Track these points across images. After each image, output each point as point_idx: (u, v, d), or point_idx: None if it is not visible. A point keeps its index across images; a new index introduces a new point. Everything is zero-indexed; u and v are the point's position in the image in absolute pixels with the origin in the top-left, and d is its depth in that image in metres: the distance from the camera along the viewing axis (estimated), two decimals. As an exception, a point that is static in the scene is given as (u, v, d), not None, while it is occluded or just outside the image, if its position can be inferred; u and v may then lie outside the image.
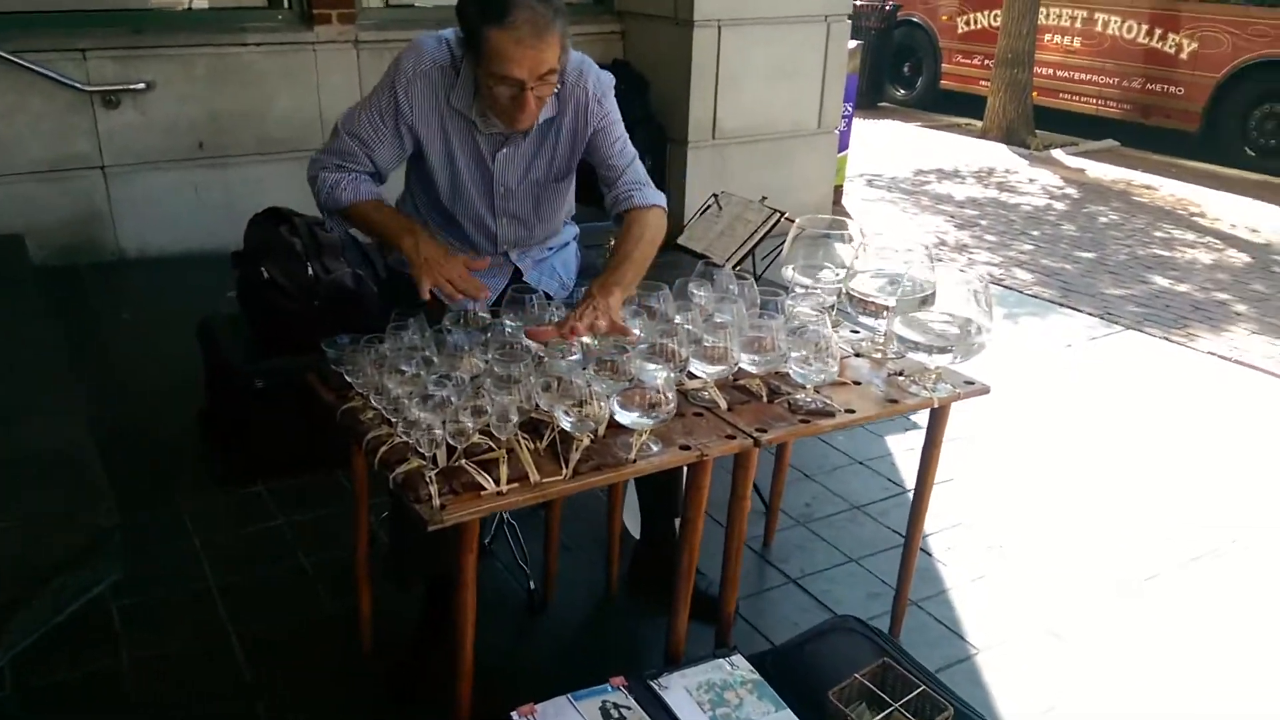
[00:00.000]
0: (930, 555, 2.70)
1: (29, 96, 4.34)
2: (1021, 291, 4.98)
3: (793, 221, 2.46)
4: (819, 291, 2.27)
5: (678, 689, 1.82)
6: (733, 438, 1.86)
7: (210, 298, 3.91)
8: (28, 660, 2.16)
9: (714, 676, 1.85)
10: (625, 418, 1.75)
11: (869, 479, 3.10)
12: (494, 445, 1.70)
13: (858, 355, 2.25)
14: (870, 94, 10.44)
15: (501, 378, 1.79)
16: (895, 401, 2.05)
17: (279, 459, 2.94)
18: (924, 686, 1.84)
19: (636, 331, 1.89)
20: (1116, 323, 4.58)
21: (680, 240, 3.10)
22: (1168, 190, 7.37)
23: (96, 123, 4.47)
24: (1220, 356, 4.23)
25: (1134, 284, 5.21)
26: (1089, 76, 9.62)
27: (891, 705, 1.81)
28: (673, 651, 2.00)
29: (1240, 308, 4.90)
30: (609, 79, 2.24)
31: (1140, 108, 9.26)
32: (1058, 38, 9.76)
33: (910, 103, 11.15)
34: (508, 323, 2.03)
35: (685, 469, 1.89)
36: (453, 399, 1.73)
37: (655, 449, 1.79)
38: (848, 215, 6.29)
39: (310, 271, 2.83)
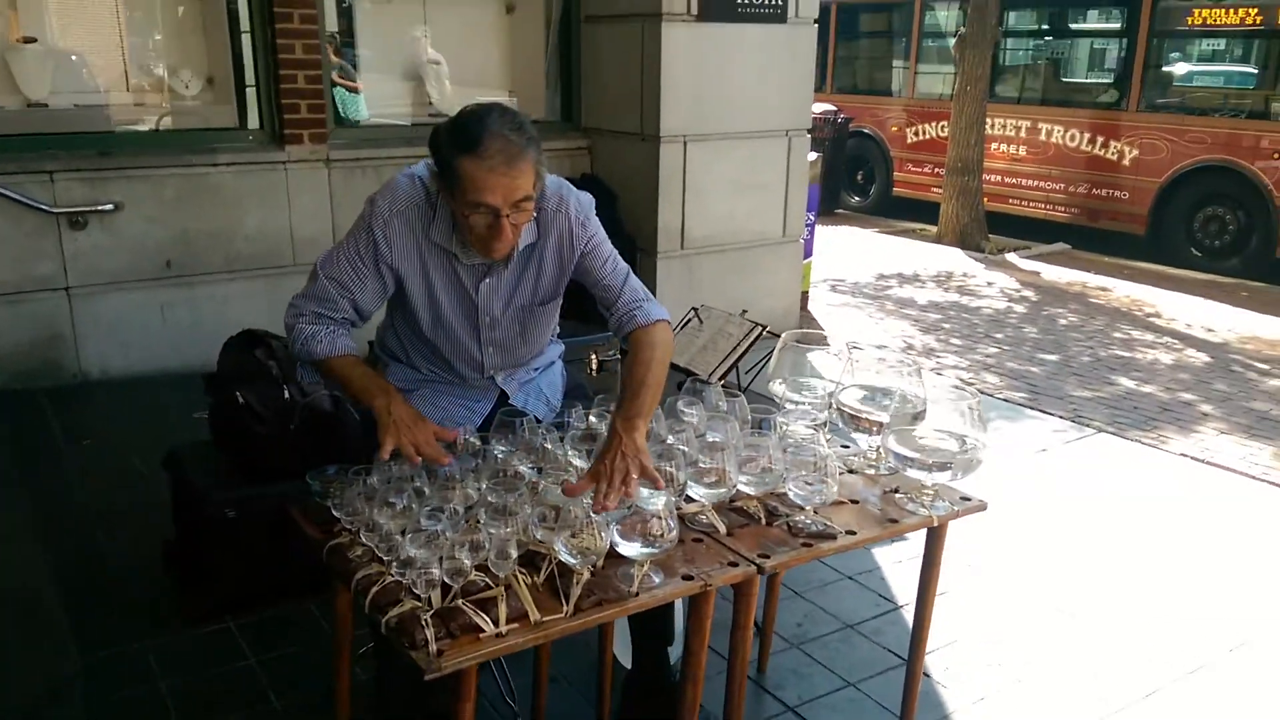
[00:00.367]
0: (929, 676, 2.63)
1: (-6, 219, 4.29)
2: (992, 395, 5.02)
3: (776, 336, 2.47)
4: (809, 407, 2.25)
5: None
6: (735, 565, 1.80)
7: (176, 419, 3.82)
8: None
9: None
10: (627, 549, 1.70)
11: (860, 595, 3.03)
12: (491, 582, 1.63)
13: (851, 472, 2.22)
14: (828, 201, 10.72)
15: (497, 508, 1.73)
16: (895, 521, 2.02)
17: (249, 592, 2.81)
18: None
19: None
20: (1088, 425, 4.62)
21: (663, 355, 3.08)
22: (1122, 291, 7.56)
23: (62, 244, 4.42)
24: (1193, 458, 4.26)
25: (1100, 386, 5.28)
26: (1036, 183, 9.98)
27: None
28: (677, 795, 1.90)
29: (1206, 408, 4.98)
30: (589, 200, 2.24)
31: (1088, 211, 9.58)
32: (1004, 146, 10.13)
33: (865, 209, 11.46)
34: (499, 448, 1.99)
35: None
36: (448, 533, 1.66)
37: (657, 580, 1.73)
38: (815, 321, 6.36)
39: (287, 395, 2.76)
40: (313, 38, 4.81)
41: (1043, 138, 9.87)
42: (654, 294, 2.28)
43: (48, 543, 2.80)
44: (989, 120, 9.44)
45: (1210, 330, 6.51)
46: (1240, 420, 4.79)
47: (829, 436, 2.20)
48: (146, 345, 4.65)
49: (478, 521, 1.71)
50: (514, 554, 1.64)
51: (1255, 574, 3.26)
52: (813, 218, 6.41)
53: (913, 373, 2.17)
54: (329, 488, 1.87)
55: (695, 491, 1.91)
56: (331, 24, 5.42)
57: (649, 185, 5.35)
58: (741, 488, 1.95)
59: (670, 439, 2.01)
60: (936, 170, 10.27)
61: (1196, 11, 8.98)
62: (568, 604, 1.62)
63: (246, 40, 4.87)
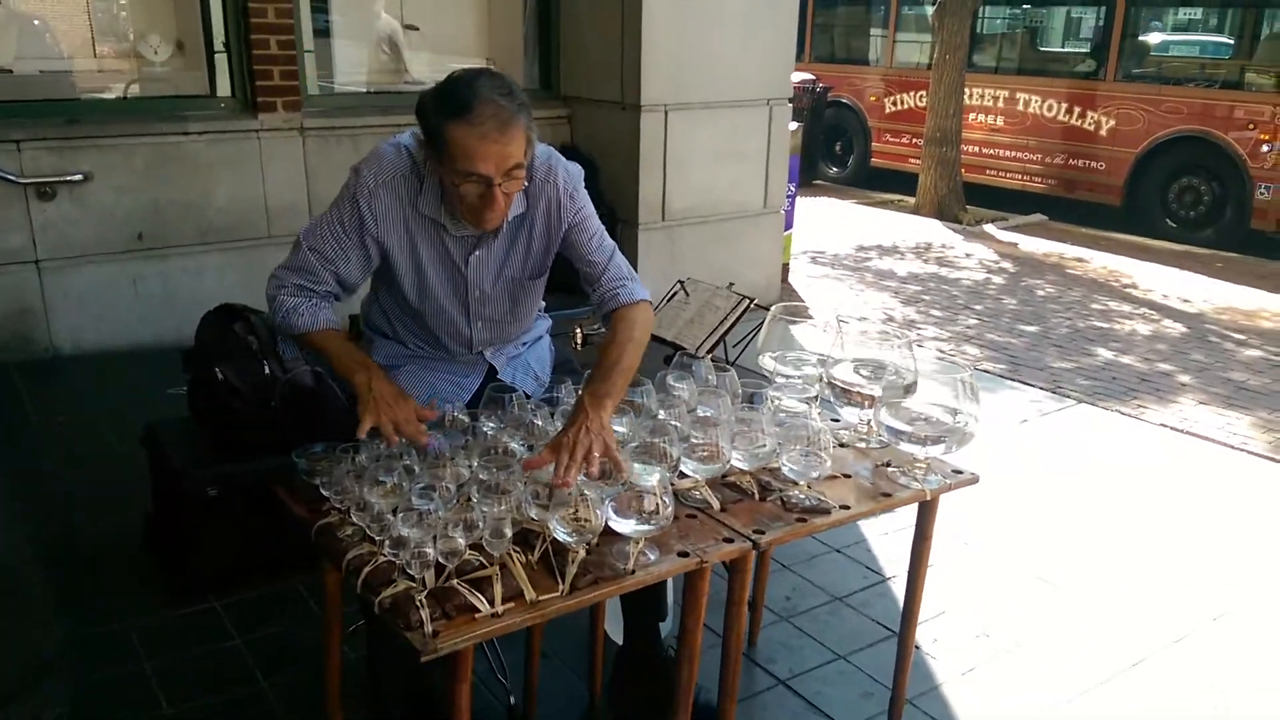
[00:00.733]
0: (918, 648, 2.63)
1: (-42, 190, 4.18)
2: (973, 367, 5.03)
3: (765, 309, 2.44)
4: (800, 381, 2.23)
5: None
6: (730, 540, 1.79)
7: (151, 395, 3.75)
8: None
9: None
10: (622, 526, 1.67)
11: (847, 567, 3.04)
12: (485, 562, 1.61)
13: (842, 445, 2.20)
14: (806, 171, 10.69)
15: (489, 486, 1.70)
16: (888, 495, 2.01)
17: (233, 571, 2.77)
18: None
19: (626, 465, 1.76)
20: (1067, 397, 4.64)
21: (648, 329, 3.05)
22: (1099, 262, 7.60)
23: (30, 215, 4.31)
24: (1172, 428, 4.30)
25: (1079, 357, 5.30)
26: (1014, 154, 9.98)
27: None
28: (672, 769, 1.89)
29: (1184, 378, 5.02)
30: (578, 171, 2.20)
31: (1064, 182, 9.61)
32: (982, 117, 10.12)
33: (843, 180, 11.43)
34: (488, 425, 1.95)
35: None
36: (440, 512, 1.63)
37: (652, 557, 1.71)
38: (796, 293, 6.34)
39: (268, 370, 2.70)
40: (286, 1, 4.69)
41: (1020, 108, 9.87)
42: (635, 266, 2.25)
43: (26, 521, 2.74)
44: (966, 89, 9.42)
45: (1186, 301, 6.55)
46: (1218, 390, 4.84)
47: (819, 410, 2.18)
48: (119, 319, 4.56)
49: (469, 500, 1.68)
50: (508, 533, 1.61)
51: (1235, 543, 3.30)
52: (793, 189, 6.38)
53: (904, 345, 2.16)
54: (316, 466, 1.83)
55: (688, 467, 1.89)
56: (304, -12, 5.29)
57: (630, 155, 5.28)
58: (735, 463, 1.93)
59: (662, 414, 1.98)
60: (915, 141, 10.25)
61: (1174, -19, 8.99)
62: (564, 583, 1.60)
63: (216, 4, 4.73)
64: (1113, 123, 9.14)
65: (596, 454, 1.74)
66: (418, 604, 1.50)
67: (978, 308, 6.24)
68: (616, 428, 1.88)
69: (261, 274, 2.16)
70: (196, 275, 4.69)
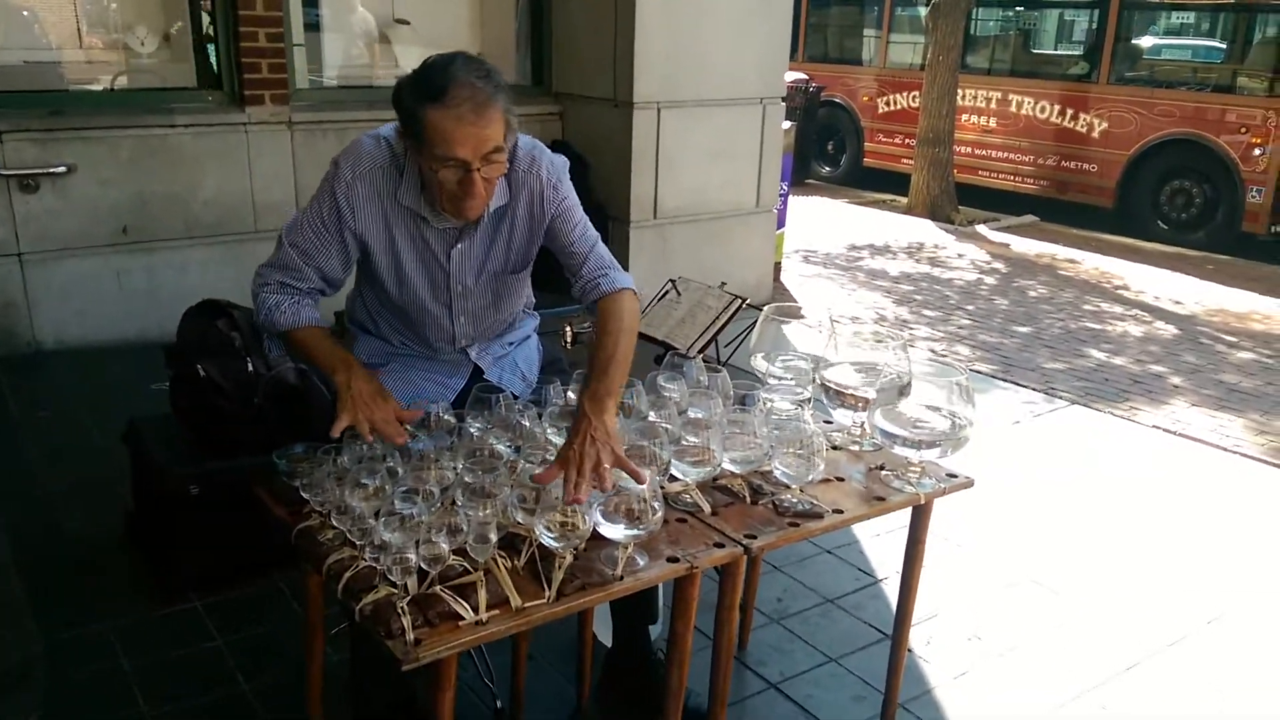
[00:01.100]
0: (911, 651, 2.60)
1: (-62, 182, 4.11)
2: (967, 369, 4.99)
3: (757, 309, 2.41)
4: (793, 382, 2.20)
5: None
6: (721, 545, 1.75)
7: (134, 390, 3.70)
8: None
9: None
10: (611, 531, 1.63)
11: (838, 569, 3.01)
12: (470, 567, 1.57)
13: (835, 448, 2.17)
14: (798, 171, 10.68)
15: (474, 489, 1.66)
16: (882, 499, 1.98)
17: (214, 570, 2.73)
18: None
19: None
20: (1060, 398, 4.62)
21: (639, 328, 3.01)
22: (1090, 264, 7.59)
23: (13, 207, 4.24)
24: (1165, 430, 4.28)
25: (1072, 358, 5.29)
26: (1006, 155, 9.98)
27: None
28: (661, 777, 1.85)
29: (1176, 380, 5.00)
30: (563, 162, 2.15)
31: (1056, 184, 9.60)
32: (975, 118, 10.11)
33: (835, 179, 11.41)
34: (474, 426, 1.91)
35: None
36: (423, 516, 1.59)
37: (641, 562, 1.67)
38: (788, 292, 6.31)
39: (250, 368, 2.66)
40: (274, -6, 4.64)
41: (1013, 109, 9.86)
42: (626, 265, 2.22)
43: (5, 519, 2.69)
44: (960, 90, 9.40)
45: (1178, 303, 6.55)
46: (1210, 392, 4.82)
47: (812, 412, 2.15)
48: (103, 313, 4.50)
49: (454, 503, 1.64)
50: (494, 538, 1.57)
51: (1229, 546, 3.28)
52: (786, 188, 6.35)
53: (898, 347, 2.13)
54: (297, 467, 1.79)
55: (679, 470, 1.85)
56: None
57: (621, 153, 5.24)
58: (726, 465, 1.90)
59: (653, 416, 1.94)
60: (907, 141, 10.23)
61: (1167, -16, 9.00)
62: (550, 589, 1.56)
63: (205, -4, 4.69)
64: (1105, 125, 9.14)
65: (606, 464, 1.69)
66: (399, 611, 1.47)
67: (970, 308, 6.22)
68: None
69: (248, 268, 2.12)
70: (181, 269, 4.64)
